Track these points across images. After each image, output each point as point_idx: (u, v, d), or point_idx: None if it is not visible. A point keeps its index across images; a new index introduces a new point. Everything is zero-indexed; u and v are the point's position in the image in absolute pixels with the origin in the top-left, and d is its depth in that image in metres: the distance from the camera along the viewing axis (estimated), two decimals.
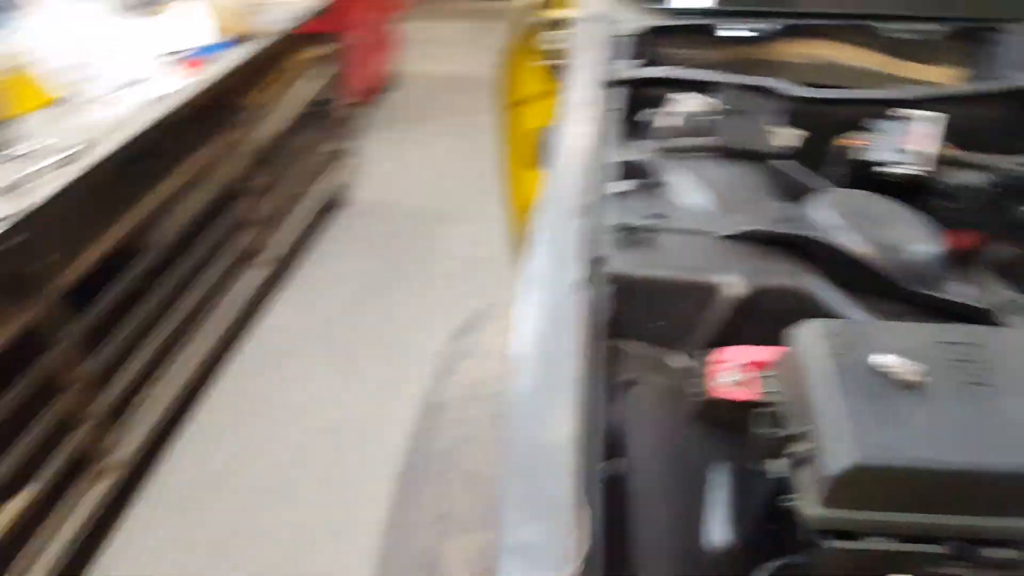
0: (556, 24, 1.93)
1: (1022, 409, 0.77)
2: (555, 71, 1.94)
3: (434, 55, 6.29)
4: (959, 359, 0.82)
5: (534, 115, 2.11)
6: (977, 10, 1.66)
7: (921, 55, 1.59)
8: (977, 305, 1.11)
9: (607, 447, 0.88)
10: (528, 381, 0.87)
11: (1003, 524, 0.74)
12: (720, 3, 1.78)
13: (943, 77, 1.60)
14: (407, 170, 4.54)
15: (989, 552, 0.74)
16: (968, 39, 1.60)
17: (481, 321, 1.33)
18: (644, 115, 1.38)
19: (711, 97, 1.42)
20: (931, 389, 0.78)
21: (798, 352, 0.86)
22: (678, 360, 1.04)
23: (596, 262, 1.04)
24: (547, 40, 1.93)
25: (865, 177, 1.39)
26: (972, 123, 1.39)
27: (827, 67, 1.67)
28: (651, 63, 1.63)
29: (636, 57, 1.62)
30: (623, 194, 1.18)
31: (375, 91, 5.21)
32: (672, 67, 1.54)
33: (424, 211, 4.09)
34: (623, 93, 1.47)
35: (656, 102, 1.46)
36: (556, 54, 1.89)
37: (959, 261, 1.53)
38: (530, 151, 2.01)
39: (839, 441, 0.73)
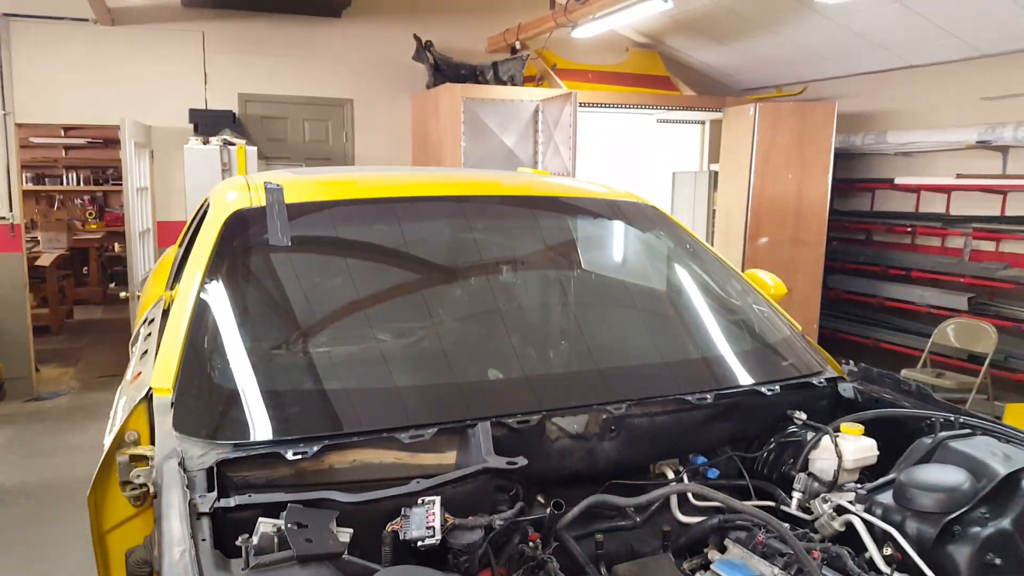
0: (141, 459, 2.20)
1: None
2: (141, 498, 2.17)
3: None
4: None
5: (126, 537, 2.27)
6: None
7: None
8: None
9: None
10: None
11: None
12: (275, 434, 2.24)
13: (441, 460, 2.30)
14: None
15: None
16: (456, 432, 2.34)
17: None
18: (242, 540, 1.76)
19: (281, 517, 1.84)
20: None
21: None
22: None
23: None
24: (134, 475, 2.17)
25: (414, 551, 1.95)
26: (467, 495, 2.07)
27: (369, 465, 2.25)
28: (231, 492, 1.99)
29: (214, 489, 1.94)
30: None
31: None
32: (244, 495, 1.93)
33: None
34: (206, 524, 1.80)
35: (241, 526, 1.84)
36: (143, 486, 2.14)
37: None
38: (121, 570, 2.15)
39: None
